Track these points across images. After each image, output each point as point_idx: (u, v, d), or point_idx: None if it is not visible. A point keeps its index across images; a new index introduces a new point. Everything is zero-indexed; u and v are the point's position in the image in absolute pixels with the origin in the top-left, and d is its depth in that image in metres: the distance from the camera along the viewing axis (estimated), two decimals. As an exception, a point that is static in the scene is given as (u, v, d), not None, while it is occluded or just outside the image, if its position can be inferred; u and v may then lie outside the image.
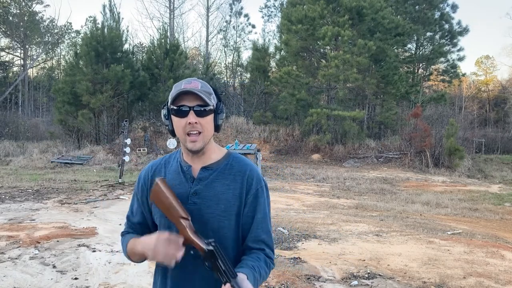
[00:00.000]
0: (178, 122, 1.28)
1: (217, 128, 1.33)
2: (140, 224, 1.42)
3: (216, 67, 32.80)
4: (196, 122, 1.26)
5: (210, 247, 1.20)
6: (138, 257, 1.35)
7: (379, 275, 4.35)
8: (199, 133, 1.28)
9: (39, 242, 5.23)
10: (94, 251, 4.96)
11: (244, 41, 40.39)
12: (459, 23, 24.83)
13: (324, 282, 4.14)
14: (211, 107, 1.29)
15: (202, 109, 1.27)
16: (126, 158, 11.17)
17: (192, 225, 1.26)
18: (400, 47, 23.93)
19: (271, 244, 1.37)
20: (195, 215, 1.27)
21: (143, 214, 1.41)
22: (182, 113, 1.27)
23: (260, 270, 1.28)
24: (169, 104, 1.30)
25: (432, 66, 26.84)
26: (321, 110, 19.14)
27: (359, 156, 19.02)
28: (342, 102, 21.09)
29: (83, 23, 65.02)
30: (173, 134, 1.33)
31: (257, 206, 1.34)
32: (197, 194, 1.30)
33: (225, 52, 33.45)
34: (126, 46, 21.53)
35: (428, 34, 24.79)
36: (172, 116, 1.30)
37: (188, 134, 1.28)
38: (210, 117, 1.30)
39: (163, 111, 1.34)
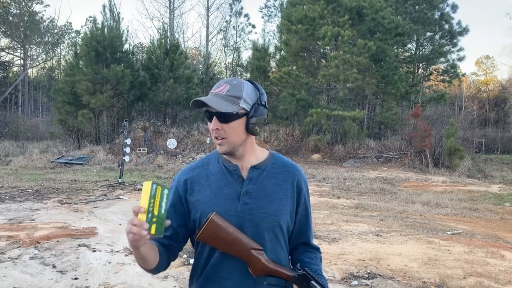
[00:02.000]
0: (209, 125, 1.28)
1: (250, 131, 1.27)
2: (170, 237, 1.29)
3: (216, 67, 32.80)
4: (218, 128, 1.24)
5: (301, 271, 1.23)
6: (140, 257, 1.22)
7: (379, 275, 4.35)
8: (223, 138, 1.26)
9: (39, 242, 5.22)
10: (94, 251, 4.96)
11: (244, 41, 40.46)
12: (459, 23, 24.86)
13: (324, 282, 4.13)
14: (238, 112, 1.23)
15: (223, 114, 1.23)
16: (126, 158, 11.17)
17: (266, 255, 1.22)
18: (400, 47, 23.93)
19: None
20: (246, 215, 1.24)
21: (178, 222, 1.30)
22: (209, 118, 1.27)
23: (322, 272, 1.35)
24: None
25: (432, 66, 26.84)
26: (321, 110, 19.14)
27: (359, 156, 19.01)
28: (342, 102, 21.09)
29: (83, 23, 65.08)
30: None
31: (308, 206, 1.38)
32: (248, 193, 1.27)
33: (225, 52, 33.49)
34: (126, 46, 21.57)
35: (428, 34, 24.79)
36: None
37: (216, 138, 1.27)
38: (237, 122, 1.24)
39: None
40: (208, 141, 18.28)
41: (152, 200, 1.07)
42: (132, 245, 1.12)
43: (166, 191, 1.12)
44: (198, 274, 1.30)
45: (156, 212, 1.09)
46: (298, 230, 1.37)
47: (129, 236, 1.07)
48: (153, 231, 1.08)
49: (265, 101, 1.30)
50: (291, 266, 1.35)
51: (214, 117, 1.24)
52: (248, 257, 1.20)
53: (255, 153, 1.33)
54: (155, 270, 1.26)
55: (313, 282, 1.22)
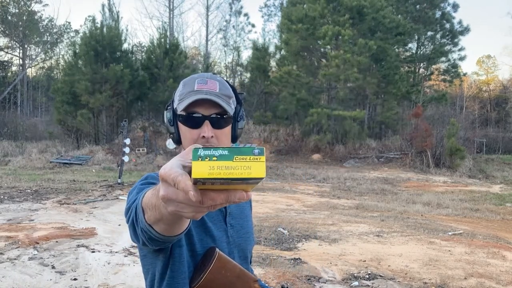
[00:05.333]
0: (188, 133, 1.01)
1: (234, 139, 1.09)
2: None
3: (216, 66, 32.78)
4: (212, 136, 1.00)
5: None
6: (159, 215, 0.73)
7: (380, 275, 4.32)
8: None
9: (38, 243, 5.20)
10: (93, 252, 4.93)
11: (244, 40, 40.48)
12: (460, 22, 24.83)
13: (325, 283, 4.11)
14: (231, 115, 1.03)
15: (221, 117, 1.01)
16: (125, 158, 11.14)
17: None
18: (401, 47, 23.91)
19: None
20: (235, 239, 1.08)
21: None
22: (194, 123, 1.00)
23: None
24: (175, 106, 1.03)
25: (433, 66, 26.81)
26: (321, 110, 19.13)
27: (359, 156, 18.99)
28: (343, 102, 21.08)
29: (82, 22, 65.02)
30: (178, 143, 1.06)
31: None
32: (231, 214, 1.10)
33: (225, 51, 33.51)
34: (125, 46, 21.54)
35: (429, 33, 24.78)
36: (179, 124, 1.03)
37: None
38: (229, 128, 1.05)
39: (167, 114, 1.06)
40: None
41: None
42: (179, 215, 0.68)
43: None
44: None
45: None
46: None
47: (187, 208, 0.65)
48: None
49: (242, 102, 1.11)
50: None
51: (207, 122, 1.00)
52: None
53: None
54: (168, 241, 0.85)
55: None
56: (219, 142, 1.03)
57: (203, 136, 1.00)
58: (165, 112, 1.08)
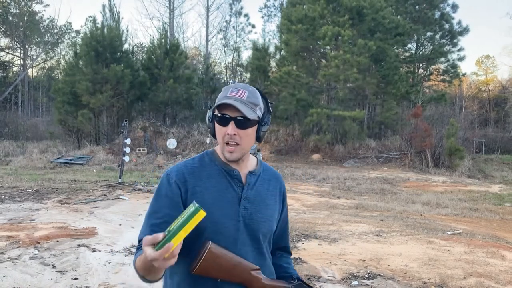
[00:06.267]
0: (219, 130, 1.27)
1: (258, 139, 1.31)
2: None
3: (216, 67, 32.80)
4: (234, 134, 1.23)
5: (296, 282, 1.31)
6: (148, 269, 1.13)
7: (379, 275, 4.34)
8: (237, 144, 1.25)
9: (38, 242, 5.22)
10: (94, 251, 4.95)
11: (244, 41, 40.43)
12: (459, 23, 24.82)
13: (324, 282, 4.13)
14: (255, 119, 1.26)
15: (243, 120, 1.23)
16: (126, 158, 11.16)
17: (262, 274, 1.25)
18: (400, 47, 23.92)
19: None
20: (246, 220, 1.27)
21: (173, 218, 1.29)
22: (223, 122, 1.24)
23: None
24: (213, 108, 1.29)
25: (433, 66, 26.82)
26: (321, 110, 19.14)
27: (359, 156, 19.01)
28: (342, 102, 21.09)
29: (83, 23, 65.08)
30: (214, 137, 1.30)
31: (287, 212, 1.45)
32: (248, 199, 1.29)
33: (225, 52, 33.49)
34: (126, 46, 21.58)
35: (428, 34, 24.77)
36: (215, 122, 1.28)
37: (227, 144, 1.25)
38: (252, 129, 1.27)
39: (208, 113, 1.32)
40: (208, 141, 18.30)
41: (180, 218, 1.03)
42: (159, 267, 1.04)
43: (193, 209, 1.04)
44: None
45: (173, 226, 1.03)
46: (280, 234, 1.43)
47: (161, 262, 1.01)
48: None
49: (271, 110, 1.34)
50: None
51: (232, 122, 1.23)
52: (249, 279, 1.21)
53: (250, 159, 1.36)
54: (158, 280, 1.21)
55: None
56: (241, 139, 1.25)
57: (228, 133, 1.24)
58: (208, 111, 1.33)
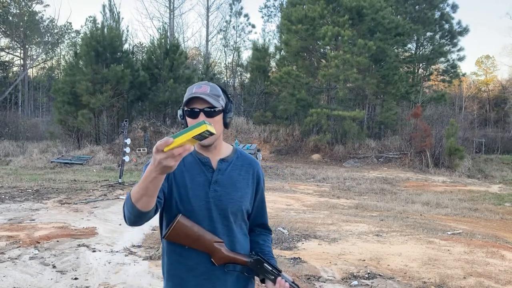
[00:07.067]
0: (191, 122, 1.45)
1: (226, 125, 1.51)
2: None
3: (216, 67, 32.80)
4: None
5: (256, 257, 1.49)
6: (145, 187, 1.18)
7: (379, 275, 4.35)
8: None
9: (39, 242, 5.22)
10: (94, 251, 4.96)
11: (244, 41, 40.46)
12: (459, 23, 24.86)
13: (324, 282, 4.14)
14: (220, 108, 1.46)
15: (211, 110, 1.43)
16: (126, 158, 11.16)
17: (225, 246, 1.45)
18: (400, 47, 23.93)
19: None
20: (216, 201, 1.46)
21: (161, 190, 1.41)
22: (194, 115, 1.44)
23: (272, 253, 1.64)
24: (183, 106, 1.48)
25: (432, 66, 26.83)
26: (321, 110, 19.15)
27: (359, 156, 19.02)
28: (342, 102, 21.09)
29: (83, 23, 64.98)
30: None
31: (263, 194, 1.62)
32: (217, 182, 1.48)
33: (225, 52, 33.50)
34: (126, 46, 21.54)
35: (428, 34, 24.78)
36: (186, 117, 1.48)
37: None
38: (219, 117, 1.47)
39: (179, 112, 1.51)
40: None
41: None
42: (164, 166, 1.08)
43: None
44: (168, 267, 1.49)
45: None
46: (256, 213, 1.61)
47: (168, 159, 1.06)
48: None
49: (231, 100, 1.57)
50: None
51: (201, 113, 1.43)
52: (211, 249, 1.42)
53: (223, 148, 1.55)
54: (145, 216, 1.27)
55: (265, 264, 1.48)
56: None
57: None
58: (178, 110, 1.53)
